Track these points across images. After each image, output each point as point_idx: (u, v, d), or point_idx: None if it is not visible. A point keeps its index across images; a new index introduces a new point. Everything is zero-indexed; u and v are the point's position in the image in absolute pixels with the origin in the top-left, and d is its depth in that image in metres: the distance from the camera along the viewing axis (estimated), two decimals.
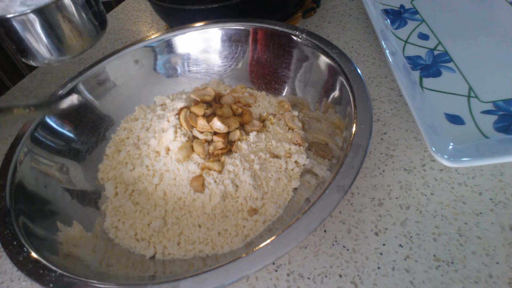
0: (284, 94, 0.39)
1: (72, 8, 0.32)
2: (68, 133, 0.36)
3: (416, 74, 0.38)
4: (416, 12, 0.47)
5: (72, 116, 0.36)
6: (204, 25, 0.41)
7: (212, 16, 0.42)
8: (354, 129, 0.26)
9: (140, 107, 0.40)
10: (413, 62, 0.40)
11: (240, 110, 0.34)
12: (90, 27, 0.34)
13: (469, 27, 0.43)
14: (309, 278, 0.27)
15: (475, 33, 0.42)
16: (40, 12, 0.30)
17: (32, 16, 0.30)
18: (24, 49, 0.32)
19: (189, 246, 0.28)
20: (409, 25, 0.45)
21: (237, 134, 0.32)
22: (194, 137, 0.32)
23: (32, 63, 0.34)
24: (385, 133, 0.35)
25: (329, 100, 0.33)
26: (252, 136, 0.32)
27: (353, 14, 0.52)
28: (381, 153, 0.33)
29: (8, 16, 0.30)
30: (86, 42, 0.35)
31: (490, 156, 0.28)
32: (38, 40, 0.32)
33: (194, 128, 0.32)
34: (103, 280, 0.23)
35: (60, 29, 0.32)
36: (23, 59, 0.34)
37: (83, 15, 0.33)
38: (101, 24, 0.36)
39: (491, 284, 0.24)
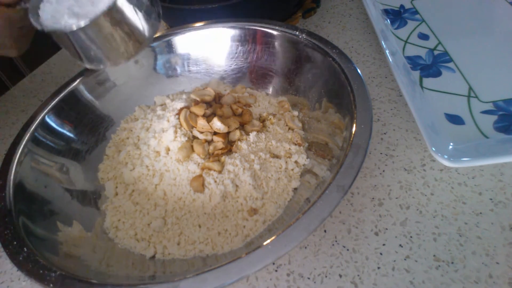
0: (284, 94, 0.39)
1: (125, 12, 0.29)
2: (68, 133, 0.36)
3: (416, 74, 0.38)
4: (416, 12, 0.47)
5: (72, 116, 0.36)
6: (204, 25, 0.41)
7: (212, 16, 0.42)
8: (354, 129, 0.26)
9: (140, 107, 0.40)
10: (413, 62, 0.40)
11: (240, 110, 0.34)
12: (146, 26, 0.31)
13: (469, 27, 0.43)
14: (309, 278, 0.27)
15: (475, 33, 0.42)
16: (91, 25, 0.28)
17: (83, 30, 0.28)
18: (77, 55, 0.30)
19: (189, 246, 0.28)
20: (409, 25, 0.45)
21: (237, 134, 0.32)
22: (194, 137, 0.32)
23: (87, 67, 0.32)
24: (385, 133, 0.35)
25: (329, 100, 0.33)
26: (252, 136, 0.32)
27: (353, 14, 0.52)
28: (381, 153, 0.33)
29: (56, 28, 0.27)
30: (143, 41, 0.32)
31: (490, 156, 0.28)
32: (91, 50, 0.30)
33: (194, 128, 0.33)
34: (103, 280, 0.23)
35: (115, 37, 0.29)
36: (78, 62, 0.32)
37: (138, 15, 0.30)
38: (156, 17, 0.33)
39: (491, 284, 0.24)
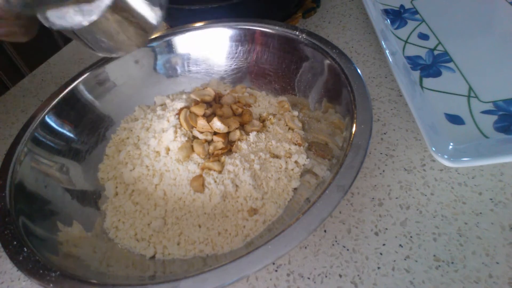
0: (284, 94, 0.39)
1: (130, 2, 0.30)
2: (68, 133, 0.36)
3: (416, 74, 0.38)
4: (416, 12, 0.47)
5: (72, 116, 0.36)
6: (204, 25, 0.41)
7: (212, 16, 0.42)
8: (354, 129, 0.26)
9: (140, 107, 0.40)
10: (413, 62, 0.40)
11: (240, 110, 0.34)
12: (152, 13, 0.33)
13: (469, 27, 0.43)
14: (309, 278, 0.27)
15: (475, 33, 0.42)
16: (98, 20, 0.29)
17: (90, 26, 0.29)
18: (87, 46, 0.31)
19: (189, 246, 0.28)
20: (409, 25, 0.45)
21: (237, 134, 0.32)
22: (194, 137, 0.32)
23: (100, 55, 0.33)
24: (385, 133, 0.35)
25: (329, 100, 0.33)
26: (252, 136, 0.32)
27: (353, 14, 0.52)
28: (381, 153, 0.33)
29: (64, 27, 0.28)
30: (150, 29, 0.34)
31: (490, 156, 0.28)
32: (101, 42, 0.30)
33: (194, 128, 0.32)
34: (103, 280, 0.23)
35: (122, 27, 0.30)
36: (91, 51, 0.33)
37: (143, 5, 0.31)
38: (161, 7, 0.34)
39: (491, 284, 0.24)
